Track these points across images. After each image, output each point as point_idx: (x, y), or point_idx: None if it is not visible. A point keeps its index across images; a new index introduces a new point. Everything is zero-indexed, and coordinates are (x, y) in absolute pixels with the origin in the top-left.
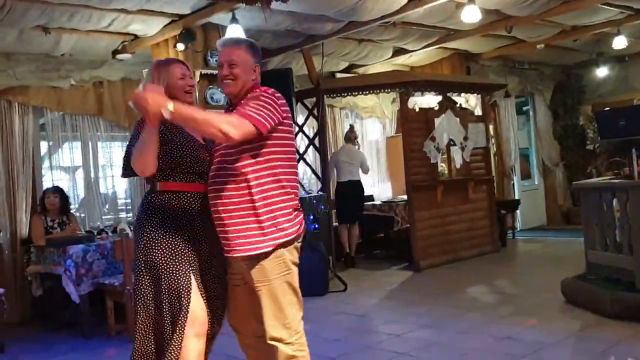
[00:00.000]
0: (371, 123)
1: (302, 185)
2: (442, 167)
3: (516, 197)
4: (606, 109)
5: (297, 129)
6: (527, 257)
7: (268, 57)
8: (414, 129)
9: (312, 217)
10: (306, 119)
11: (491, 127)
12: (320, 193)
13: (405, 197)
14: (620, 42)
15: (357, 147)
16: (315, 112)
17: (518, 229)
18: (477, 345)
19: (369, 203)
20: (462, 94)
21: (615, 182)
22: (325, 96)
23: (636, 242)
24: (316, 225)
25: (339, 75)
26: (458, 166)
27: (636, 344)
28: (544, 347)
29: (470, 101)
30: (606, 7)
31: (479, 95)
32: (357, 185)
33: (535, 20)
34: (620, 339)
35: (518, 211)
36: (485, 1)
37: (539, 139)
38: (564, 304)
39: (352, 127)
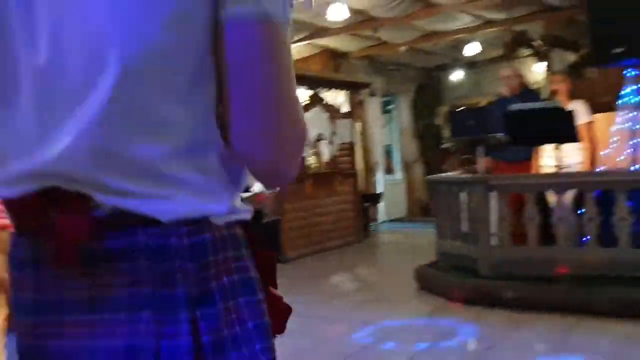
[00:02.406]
0: None
1: None
2: (312, 160)
3: (380, 191)
4: (457, 109)
5: None
6: (388, 246)
7: None
8: None
9: None
10: None
11: (358, 124)
12: None
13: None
14: (473, 49)
15: None
16: None
17: (381, 220)
18: (339, 330)
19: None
20: (331, 91)
21: (462, 177)
22: None
23: (480, 232)
24: None
25: None
26: (326, 160)
27: (478, 325)
28: (396, 330)
29: (339, 98)
30: (462, 14)
31: (347, 93)
32: None
33: (398, 23)
34: (465, 321)
35: (381, 203)
36: (353, 1)
37: (402, 137)
38: (417, 290)
39: None
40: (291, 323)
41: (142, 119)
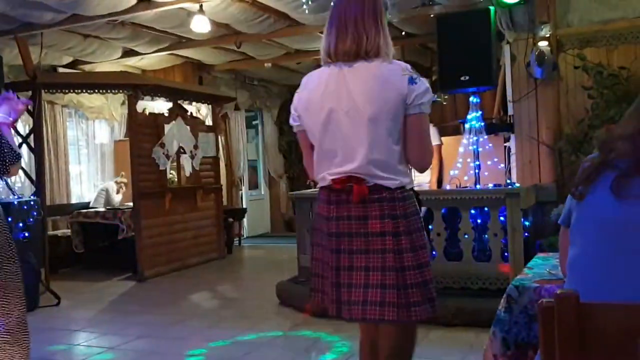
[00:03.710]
0: (98, 124)
1: (11, 190)
2: (172, 174)
3: (243, 206)
4: None
5: None
6: (251, 262)
7: None
8: (142, 133)
9: (21, 224)
10: None
11: (222, 138)
12: (33, 198)
13: (131, 203)
14: None
15: None
16: (30, 107)
17: (244, 236)
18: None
19: (91, 210)
20: (194, 103)
21: None
22: (43, 91)
23: None
24: (26, 234)
25: (61, 69)
26: (188, 174)
27: (336, 338)
28: (256, 347)
29: (202, 111)
30: (322, 35)
31: (210, 106)
32: None
33: (262, 39)
34: (324, 334)
35: (245, 219)
36: (216, 14)
37: (266, 152)
38: (278, 306)
39: None
40: (146, 345)
41: (387, 149)
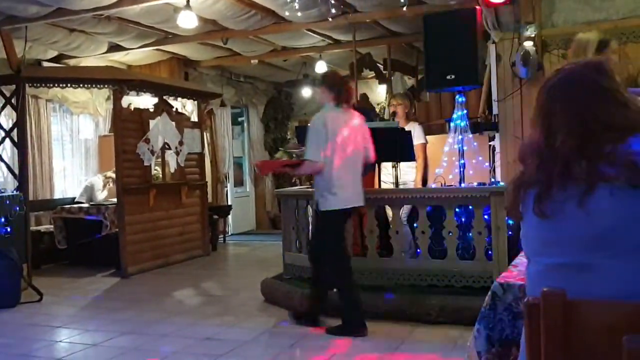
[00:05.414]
0: (83, 119)
1: None
2: (157, 170)
3: (229, 203)
4: (303, 125)
5: None
6: (235, 259)
7: None
8: (127, 129)
9: (4, 219)
10: (2, 108)
11: (207, 134)
12: (15, 193)
13: (115, 199)
14: (321, 67)
15: None
16: (14, 101)
17: (229, 233)
18: (178, 347)
19: (75, 206)
20: (179, 99)
21: (309, 191)
22: (27, 85)
23: None
24: (8, 229)
25: (46, 64)
26: (172, 170)
27: (319, 336)
28: (240, 344)
29: (187, 107)
30: (310, 33)
31: (196, 102)
32: None
33: (249, 36)
34: (307, 331)
35: (230, 216)
36: (203, 9)
37: (252, 149)
38: (263, 303)
39: None
40: (129, 342)
41: None
